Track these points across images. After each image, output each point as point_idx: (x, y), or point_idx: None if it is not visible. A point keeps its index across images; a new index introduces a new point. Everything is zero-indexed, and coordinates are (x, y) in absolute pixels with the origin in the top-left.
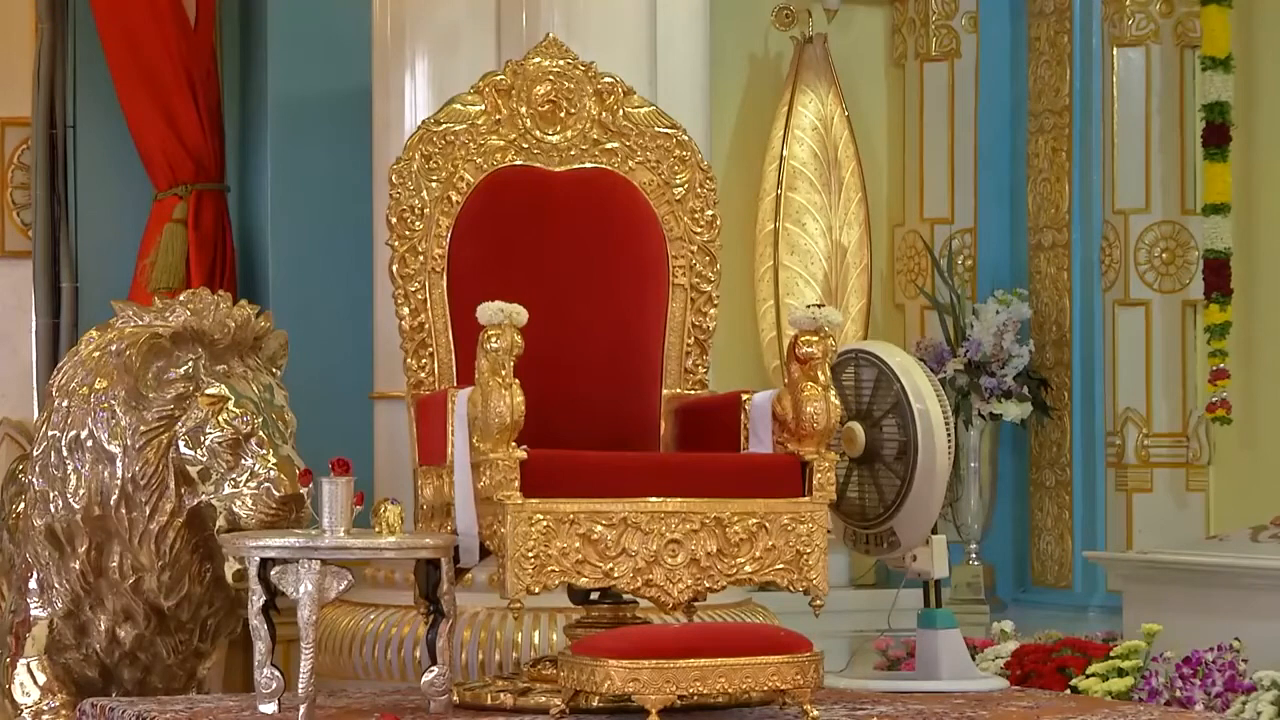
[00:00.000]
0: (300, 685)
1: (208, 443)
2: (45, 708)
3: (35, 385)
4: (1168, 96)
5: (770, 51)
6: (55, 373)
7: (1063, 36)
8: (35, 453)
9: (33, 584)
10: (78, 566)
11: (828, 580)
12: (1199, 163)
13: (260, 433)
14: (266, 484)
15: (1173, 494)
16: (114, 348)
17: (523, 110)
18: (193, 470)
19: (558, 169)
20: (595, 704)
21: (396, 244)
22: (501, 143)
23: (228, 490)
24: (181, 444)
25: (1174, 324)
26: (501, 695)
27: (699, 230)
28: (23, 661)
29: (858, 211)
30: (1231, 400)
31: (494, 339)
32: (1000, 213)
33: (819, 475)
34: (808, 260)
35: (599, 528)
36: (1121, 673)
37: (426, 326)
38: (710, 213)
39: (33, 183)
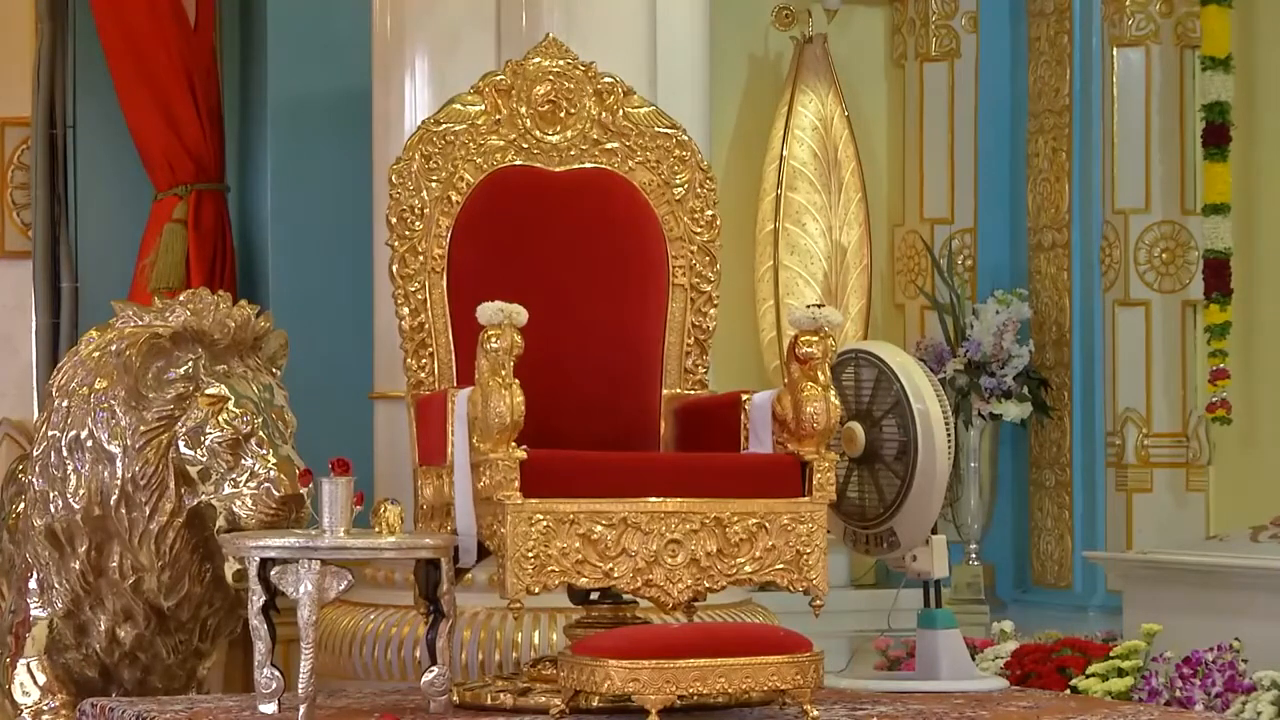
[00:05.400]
0: (300, 685)
1: (208, 443)
2: (45, 708)
3: (35, 385)
4: (1168, 96)
5: (770, 51)
6: (55, 373)
7: (1063, 36)
8: (35, 453)
9: (33, 584)
10: (78, 566)
11: (828, 580)
12: (1199, 163)
13: (260, 433)
14: (266, 484)
15: (1173, 494)
16: (114, 348)
17: (523, 110)
18: (193, 470)
19: (558, 169)
20: (595, 704)
21: (396, 244)
22: (501, 143)
23: (228, 490)
24: (181, 444)
25: (1174, 324)
26: (501, 695)
27: (699, 230)
28: (23, 661)
29: (858, 211)
30: (1231, 400)
31: (494, 339)
32: (1000, 213)
33: (819, 475)
34: (808, 260)
35: (599, 528)
36: (1121, 673)
37: (426, 326)
38: (710, 213)
39: (33, 183)
